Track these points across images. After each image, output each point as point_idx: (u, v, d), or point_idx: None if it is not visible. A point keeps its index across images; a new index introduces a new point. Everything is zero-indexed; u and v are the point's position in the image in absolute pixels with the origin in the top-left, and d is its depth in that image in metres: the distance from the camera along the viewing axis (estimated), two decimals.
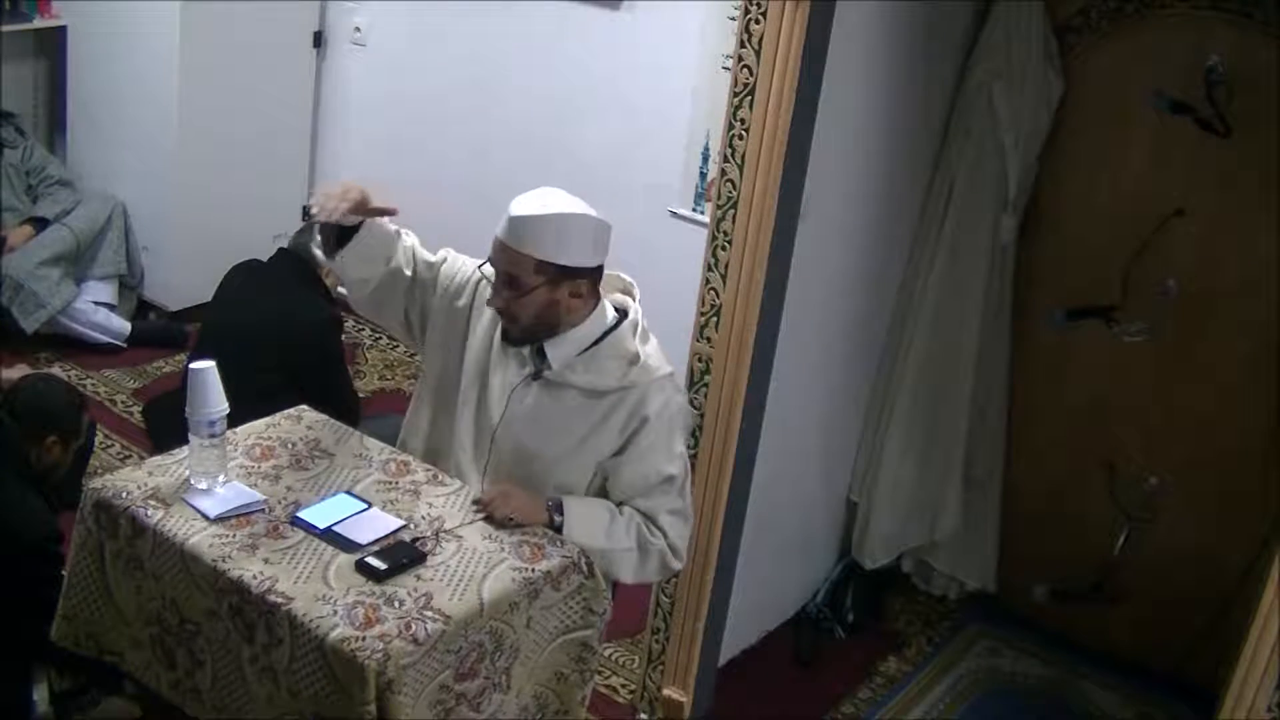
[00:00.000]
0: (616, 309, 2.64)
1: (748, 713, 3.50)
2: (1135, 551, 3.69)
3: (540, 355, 2.59)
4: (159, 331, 5.00)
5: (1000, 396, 3.84)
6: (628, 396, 2.57)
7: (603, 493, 2.65)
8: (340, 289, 4.22)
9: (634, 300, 2.68)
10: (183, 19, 4.68)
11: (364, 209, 2.56)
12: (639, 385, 2.56)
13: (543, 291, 2.49)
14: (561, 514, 2.57)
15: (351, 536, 2.45)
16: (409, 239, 2.73)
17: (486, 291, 2.62)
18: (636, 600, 3.31)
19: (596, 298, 2.59)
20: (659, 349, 2.64)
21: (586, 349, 2.57)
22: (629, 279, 2.72)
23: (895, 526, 3.88)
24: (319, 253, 2.65)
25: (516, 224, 2.47)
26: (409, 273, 2.70)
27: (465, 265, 2.70)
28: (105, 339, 4.83)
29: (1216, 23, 3.32)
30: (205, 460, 2.51)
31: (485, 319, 2.66)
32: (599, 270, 2.58)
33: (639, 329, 2.62)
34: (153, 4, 4.71)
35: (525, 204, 2.49)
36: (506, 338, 2.59)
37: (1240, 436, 3.52)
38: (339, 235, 2.62)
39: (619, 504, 2.62)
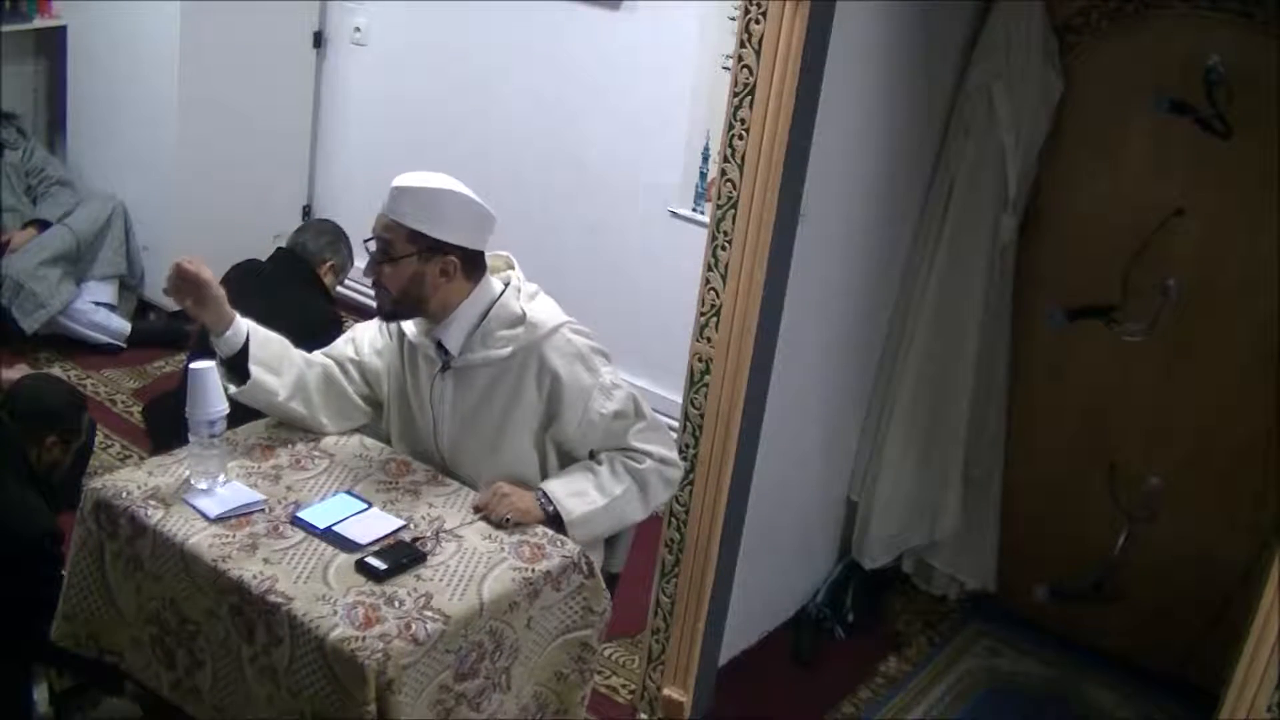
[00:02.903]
0: (503, 283, 2.69)
1: (748, 713, 3.50)
2: (1135, 551, 3.68)
3: (441, 349, 2.65)
4: (159, 331, 5.00)
5: (1000, 396, 3.83)
6: (528, 358, 2.62)
7: (568, 465, 2.71)
8: (339, 288, 4.26)
9: (514, 269, 2.73)
10: (183, 19, 4.68)
11: (198, 280, 2.59)
12: (534, 343, 2.62)
13: (412, 262, 2.56)
14: (551, 501, 2.59)
15: (351, 536, 2.46)
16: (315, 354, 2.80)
17: (394, 327, 2.74)
18: (636, 600, 3.31)
19: (473, 282, 2.63)
20: (551, 305, 2.70)
21: (477, 327, 2.63)
22: (507, 254, 2.76)
23: (895, 526, 3.88)
24: (232, 387, 2.64)
25: (396, 194, 2.57)
26: (330, 360, 2.77)
27: (371, 322, 2.81)
28: (105, 339, 4.83)
29: (1216, 23, 3.32)
30: (205, 460, 2.51)
31: (394, 349, 2.76)
32: (477, 256, 2.63)
33: (522, 291, 2.68)
34: (153, 4, 4.71)
35: (408, 178, 2.58)
36: (378, 313, 2.67)
37: (1240, 436, 3.51)
38: (238, 362, 2.65)
39: (593, 459, 2.68)
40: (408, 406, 2.76)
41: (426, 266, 2.56)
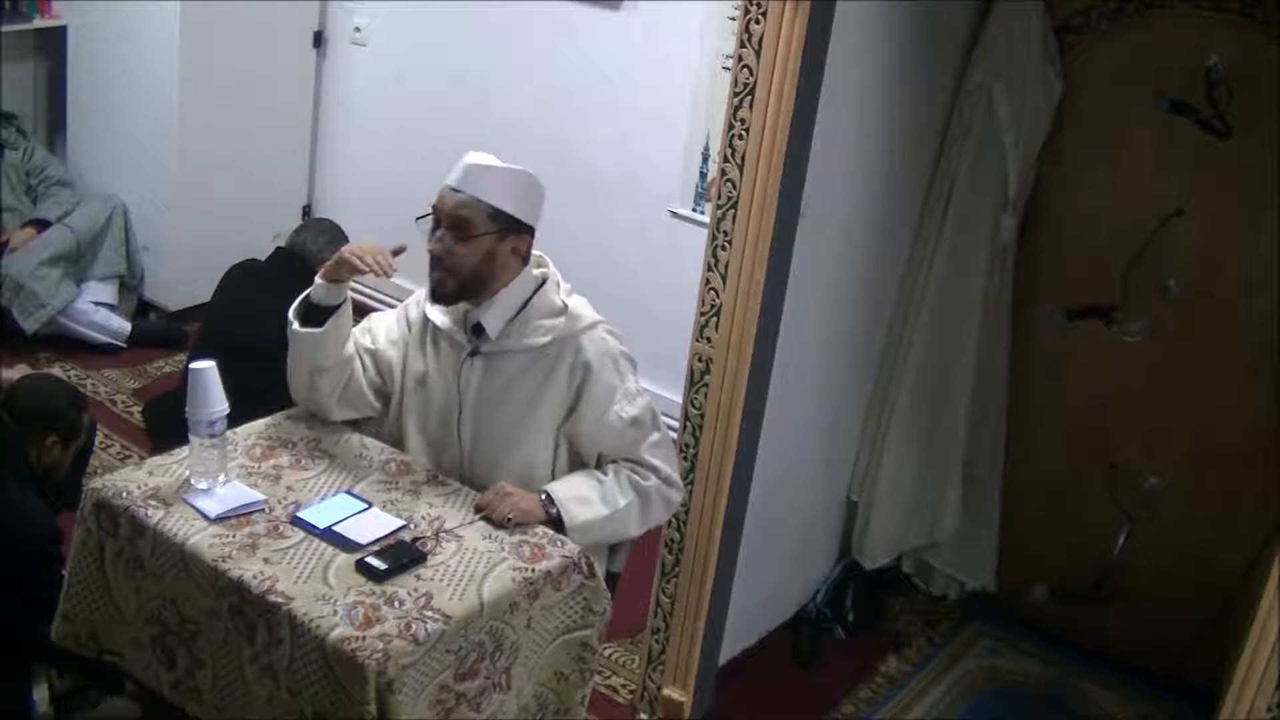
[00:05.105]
0: (542, 277, 2.69)
1: (748, 713, 3.50)
2: (1135, 551, 3.69)
3: (475, 332, 2.64)
4: (159, 331, 5.00)
5: (1000, 396, 3.83)
6: (565, 348, 2.62)
7: (575, 466, 2.70)
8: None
9: (548, 265, 2.73)
10: (183, 19, 4.69)
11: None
12: (573, 334, 2.62)
13: (489, 240, 2.55)
14: (555, 503, 2.59)
15: (351, 536, 2.45)
16: None
17: (414, 312, 2.72)
18: (636, 600, 3.31)
19: (525, 262, 2.64)
20: (587, 303, 2.70)
21: (517, 314, 2.62)
22: (539, 252, 2.75)
23: (895, 526, 3.88)
24: (296, 324, 2.64)
25: (475, 170, 2.55)
26: (353, 349, 2.75)
27: (389, 311, 2.81)
28: (105, 339, 4.83)
29: (1216, 23, 3.32)
30: (205, 460, 2.51)
31: (414, 337, 2.74)
32: (532, 235, 2.64)
33: (560, 285, 2.68)
34: (153, 4, 4.72)
35: (480, 156, 2.57)
36: (435, 296, 2.60)
37: (1240, 436, 3.51)
38: (319, 312, 2.65)
39: (599, 467, 2.68)
40: (427, 391, 2.73)
41: (500, 245, 2.56)
